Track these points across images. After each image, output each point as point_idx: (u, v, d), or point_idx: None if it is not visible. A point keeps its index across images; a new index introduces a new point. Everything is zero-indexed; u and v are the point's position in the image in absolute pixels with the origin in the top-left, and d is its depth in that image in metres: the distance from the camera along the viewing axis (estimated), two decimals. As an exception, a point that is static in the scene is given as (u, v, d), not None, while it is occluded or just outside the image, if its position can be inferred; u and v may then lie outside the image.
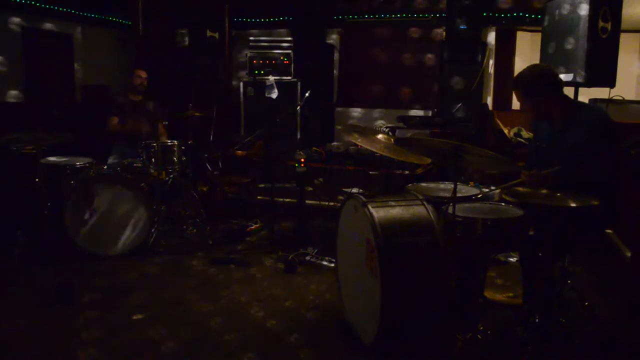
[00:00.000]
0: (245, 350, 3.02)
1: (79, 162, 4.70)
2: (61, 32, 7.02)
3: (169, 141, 4.88)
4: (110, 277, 4.08)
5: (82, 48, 7.29)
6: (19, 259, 4.30)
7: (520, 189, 2.94)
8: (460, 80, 6.52)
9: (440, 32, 7.12)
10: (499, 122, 6.37)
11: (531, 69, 3.02)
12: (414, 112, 7.29)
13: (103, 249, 4.42)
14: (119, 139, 5.39)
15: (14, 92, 6.35)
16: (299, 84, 6.59)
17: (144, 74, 5.44)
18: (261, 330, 3.27)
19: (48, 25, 6.84)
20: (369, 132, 3.63)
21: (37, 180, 4.60)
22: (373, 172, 4.43)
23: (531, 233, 2.82)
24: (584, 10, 4.32)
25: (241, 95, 6.67)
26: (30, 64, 6.56)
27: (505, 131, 6.27)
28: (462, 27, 6.39)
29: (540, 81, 2.94)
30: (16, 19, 6.39)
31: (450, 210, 2.77)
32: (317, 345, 3.10)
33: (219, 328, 3.29)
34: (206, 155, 5.44)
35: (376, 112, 7.56)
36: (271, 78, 6.54)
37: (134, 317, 3.41)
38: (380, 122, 6.67)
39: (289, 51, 6.64)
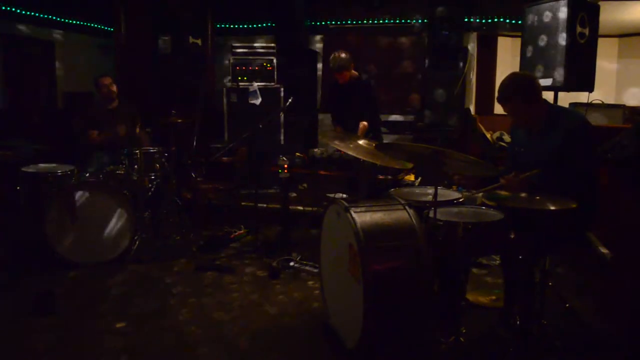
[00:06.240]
0: (227, 357, 3.02)
1: (61, 170, 4.65)
2: (42, 38, 6.97)
3: (151, 148, 4.85)
4: (92, 285, 4.04)
5: (64, 54, 7.23)
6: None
7: (501, 192, 2.98)
8: (443, 85, 6.57)
9: (422, 38, 7.18)
10: (481, 126, 6.44)
11: (520, 76, 3.08)
12: (395, 118, 7.33)
13: (85, 257, 4.37)
14: (99, 147, 5.30)
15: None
16: (282, 90, 6.59)
17: (107, 80, 5.23)
18: (245, 336, 3.26)
19: (28, 32, 6.78)
20: (350, 138, 3.64)
21: (18, 188, 4.56)
22: (356, 178, 4.44)
23: (512, 236, 2.84)
24: (562, 15, 4.40)
25: (224, 102, 6.65)
26: (11, 71, 6.49)
27: (488, 135, 6.34)
28: (444, 32, 6.45)
29: (532, 87, 2.98)
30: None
31: (431, 214, 2.79)
32: (301, 350, 3.11)
33: (200, 336, 3.27)
34: (189, 161, 5.41)
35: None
36: (254, 84, 6.53)
37: (117, 325, 3.38)
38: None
39: (272, 57, 6.63)
